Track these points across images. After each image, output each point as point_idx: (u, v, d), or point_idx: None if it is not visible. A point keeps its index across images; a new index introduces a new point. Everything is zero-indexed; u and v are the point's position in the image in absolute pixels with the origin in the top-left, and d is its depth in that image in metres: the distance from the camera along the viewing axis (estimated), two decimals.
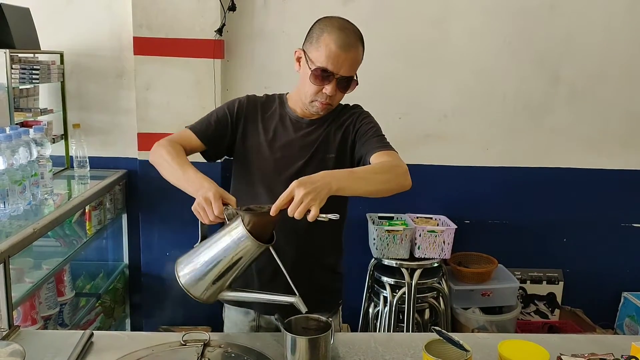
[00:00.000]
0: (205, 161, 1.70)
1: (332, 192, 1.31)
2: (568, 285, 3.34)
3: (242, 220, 1.28)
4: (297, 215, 1.26)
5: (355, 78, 1.54)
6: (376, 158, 1.51)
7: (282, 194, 1.28)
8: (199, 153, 1.66)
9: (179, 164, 1.48)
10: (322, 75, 1.50)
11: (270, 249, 1.32)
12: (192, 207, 1.36)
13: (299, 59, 1.57)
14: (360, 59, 1.54)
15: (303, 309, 1.30)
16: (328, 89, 1.51)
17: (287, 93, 1.69)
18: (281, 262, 1.59)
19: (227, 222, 1.33)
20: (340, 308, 1.79)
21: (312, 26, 1.56)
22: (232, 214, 1.33)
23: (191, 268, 1.35)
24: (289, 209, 1.26)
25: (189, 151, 1.59)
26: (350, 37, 1.50)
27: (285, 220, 1.59)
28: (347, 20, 1.54)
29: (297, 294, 1.31)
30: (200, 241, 1.39)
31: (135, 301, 3.21)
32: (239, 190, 1.65)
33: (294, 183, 1.28)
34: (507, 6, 3.05)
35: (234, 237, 1.30)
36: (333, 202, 1.63)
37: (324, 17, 1.55)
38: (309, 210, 1.26)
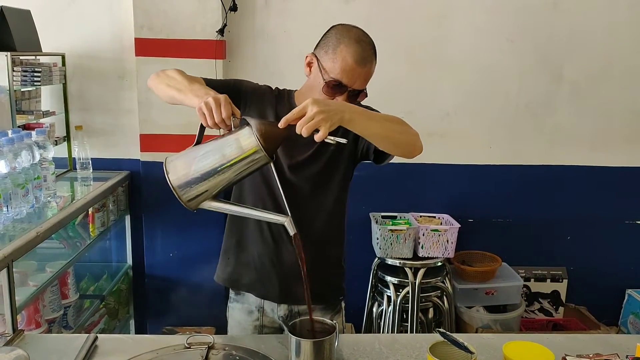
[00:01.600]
0: None
1: (344, 122, 1.28)
2: (572, 282, 3.33)
3: (252, 126, 1.25)
4: (305, 131, 1.23)
5: (364, 90, 1.52)
6: None
7: (294, 109, 1.25)
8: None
9: (186, 78, 1.44)
10: (334, 87, 1.48)
11: (271, 165, 1.30)
12: (198, 107, 1.30)
13: (309, 64, 1.54)
14: (373, 72, 1.52)
15: (292, 230, 1.28)
16: (339, 100, 1.49)
17: (294, 90, 1.68)
18: (283, 254, 1.56)
19: (233, 129, 1.28)
20: (343, 306, 1.79)
21: (327, 33, 1.52)
22: (237, 124, 1.29)
23: (185, 168, 1.29)
24: (297, 124, 1.24)
25: None
26: (366, 51, 1.47)
27: (289, 208, 1.57)
28: (363, 31, 1.51)
29: (289, 214, 1.29)
30: (196, 144, 1.34)
31: (139, 302, 3.21)
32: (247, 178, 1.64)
33: (309, 100, 1.25)
34: (510, 4, 3.04)
35: (240, 142, 1.25)
36: (333, 196, 1.62)
37: (340, 26, 1.52)
38: (317, 130, 1.23)
